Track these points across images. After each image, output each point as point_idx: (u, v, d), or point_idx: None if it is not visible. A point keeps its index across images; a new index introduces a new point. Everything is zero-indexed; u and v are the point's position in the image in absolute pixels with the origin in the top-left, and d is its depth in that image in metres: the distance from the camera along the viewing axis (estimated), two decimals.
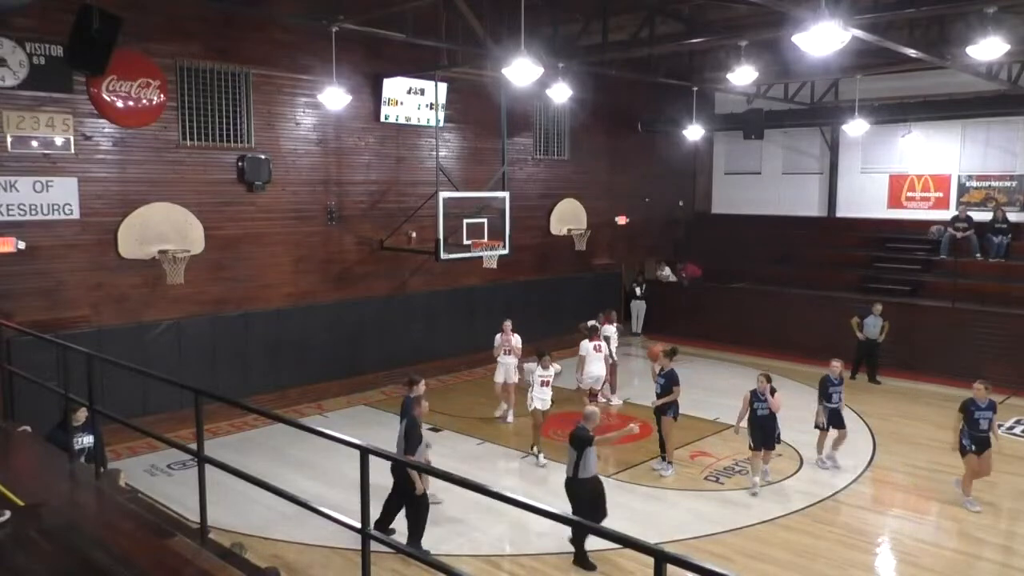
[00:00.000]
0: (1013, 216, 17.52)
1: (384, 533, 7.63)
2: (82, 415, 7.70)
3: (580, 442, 8.07)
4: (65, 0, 10.49)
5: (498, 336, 13.17)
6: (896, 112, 17.48)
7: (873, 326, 15.43)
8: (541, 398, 11.26)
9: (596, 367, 12.86)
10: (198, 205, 12.43)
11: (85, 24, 10.32)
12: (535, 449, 11.28)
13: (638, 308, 19.93)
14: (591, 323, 13.56)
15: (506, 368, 13.00)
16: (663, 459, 10.93)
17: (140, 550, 5.30)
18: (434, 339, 15.71)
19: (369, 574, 4.45)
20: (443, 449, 11.69)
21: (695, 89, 17.93)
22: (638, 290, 19.95)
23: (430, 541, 8.36)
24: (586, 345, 12.86)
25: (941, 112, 17.27)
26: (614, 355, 13.95)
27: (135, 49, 11.47)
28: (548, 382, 11.33)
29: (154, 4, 11.60)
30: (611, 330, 14.19)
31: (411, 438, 8.36)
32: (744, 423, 10.34)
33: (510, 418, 13.06)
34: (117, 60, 10.99)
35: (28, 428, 8.32)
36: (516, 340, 13.09)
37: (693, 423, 12.58)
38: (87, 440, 7.88)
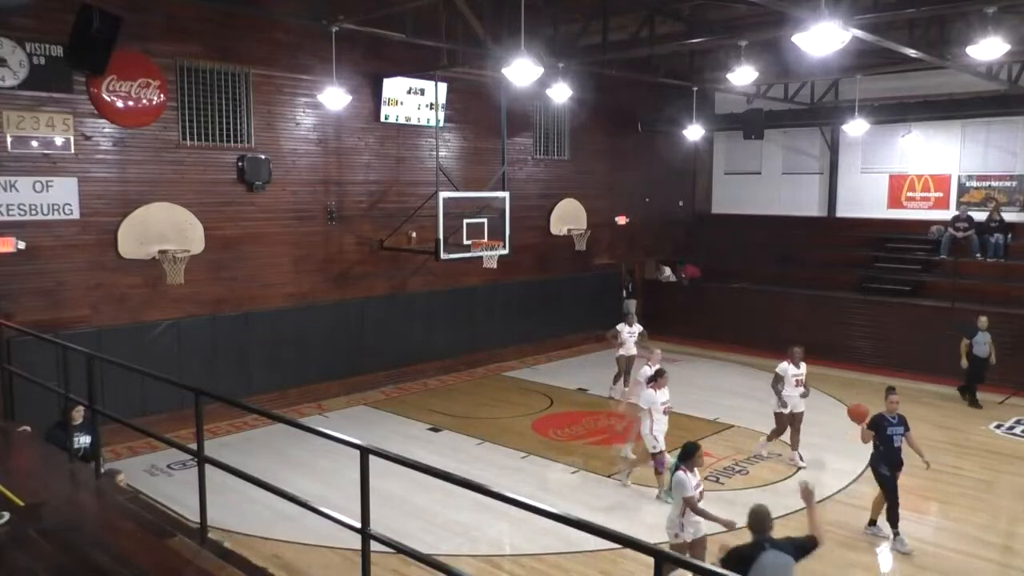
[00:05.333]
0: (1012, 216, 17.52)
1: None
2: (80, 414, 7.69)
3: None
4: (65, 0, 10.49)
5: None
6: (896, 112, 17.47)
7: (983, 343, 13.90)
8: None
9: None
10: (198, 205, 12.42)
11: (85, 24, 10.31)
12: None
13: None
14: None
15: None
16: (896, 535, 8.67)
17: (140, 550, 5.30)
18: (434, 339, 15.70)
19: (369, 574, 4.45)
20: (443, 449, 11.71)
21: (695, 89, 17.91)
22: (624, 292, 20.02)
23: (430, 541, 8.36)
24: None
25: (941, 112, 17.25)
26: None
27: (135, 49, 11.46)
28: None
29: (154, 4, 11.59)
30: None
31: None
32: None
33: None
34: (117, 60, 10.98)
35: (28, 428, 8.32)
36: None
37: (693, 423, 12.56)
38: (85, 440, 7.87)
